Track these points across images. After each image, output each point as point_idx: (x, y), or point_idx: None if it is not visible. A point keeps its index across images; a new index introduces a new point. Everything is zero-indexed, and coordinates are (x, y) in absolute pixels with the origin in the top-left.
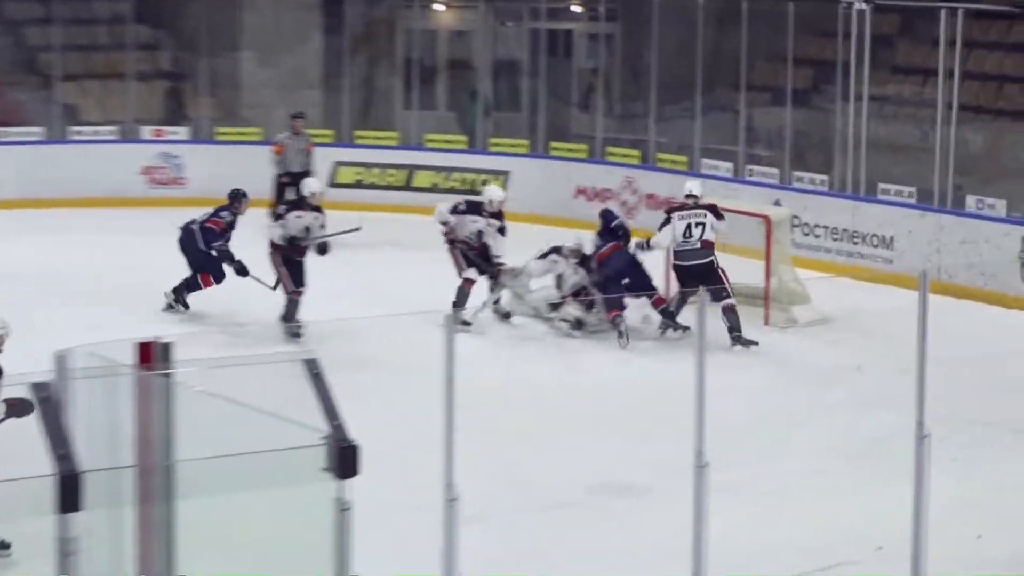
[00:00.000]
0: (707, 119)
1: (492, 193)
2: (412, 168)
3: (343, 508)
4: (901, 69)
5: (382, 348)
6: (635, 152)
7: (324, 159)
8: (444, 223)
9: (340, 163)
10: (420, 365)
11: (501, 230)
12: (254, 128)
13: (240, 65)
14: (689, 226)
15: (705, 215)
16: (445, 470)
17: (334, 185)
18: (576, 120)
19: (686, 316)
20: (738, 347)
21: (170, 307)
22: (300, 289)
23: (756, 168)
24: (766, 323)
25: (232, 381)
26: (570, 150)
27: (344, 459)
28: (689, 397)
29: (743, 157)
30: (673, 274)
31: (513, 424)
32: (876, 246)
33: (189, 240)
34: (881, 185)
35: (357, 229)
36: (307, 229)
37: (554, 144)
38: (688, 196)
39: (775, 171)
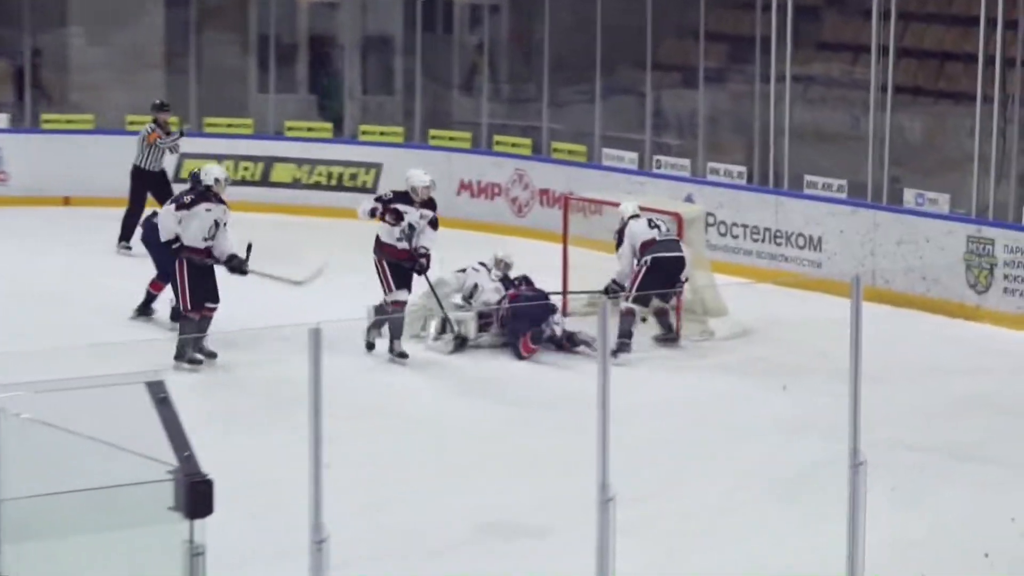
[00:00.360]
0: (608, 103)
1: (415, 178)
2: (269, 160)
3: (195, 552)
4: (828, 45)
5: (245, 367)
6: (526, 141)
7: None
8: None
9: (185, 155)
10: (291, 387)
11: (433, 223)
12: (85, 115)
13: (68, 43)
14: (651, 220)
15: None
16: (312, 510)
17: (177, 180)
18: (458, 105)
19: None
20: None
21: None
22: (211, 305)
23: (665, 159)
24: (677, 336)
25: (65, 407)
26: (451, 139)
27: (195, 496)
28: (591, 422)
29: (650, 146)
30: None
31: (392, 458)
32: (802, 247)
33: (151, 234)
34: (807, 177)
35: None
36: (216, 225)
37: (433, 132)
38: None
39: (686, 162)
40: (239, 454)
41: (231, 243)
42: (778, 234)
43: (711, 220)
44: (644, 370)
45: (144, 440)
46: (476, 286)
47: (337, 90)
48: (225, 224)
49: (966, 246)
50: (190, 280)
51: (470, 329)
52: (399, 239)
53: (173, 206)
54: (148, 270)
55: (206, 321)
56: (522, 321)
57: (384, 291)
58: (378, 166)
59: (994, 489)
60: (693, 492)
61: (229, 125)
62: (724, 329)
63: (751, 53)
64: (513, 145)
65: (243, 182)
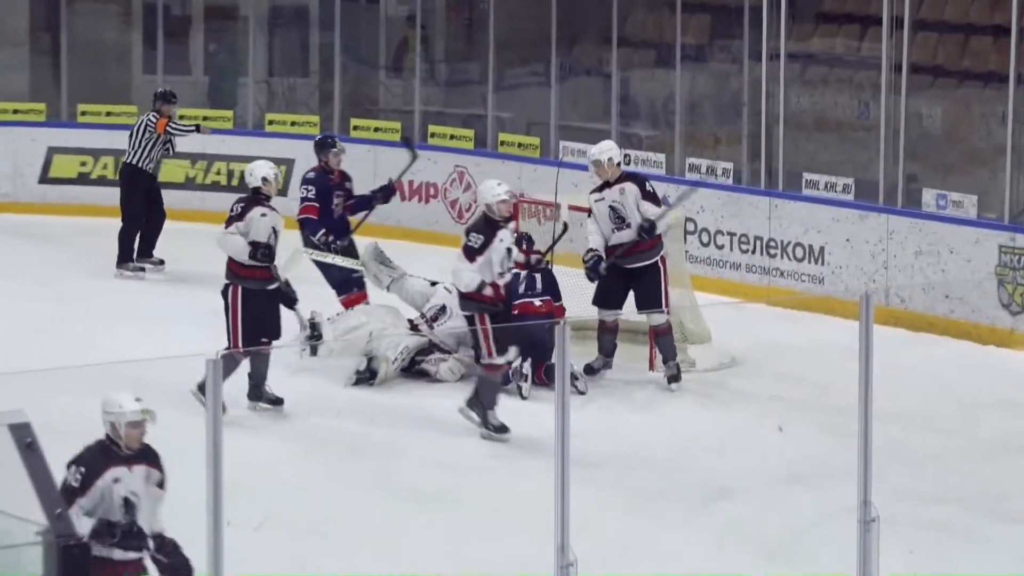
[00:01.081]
0: (567, 87)
1: (259, 169)
2: None
3: None
4: (831, 17)
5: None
6: (467, 132)
7: (35, 144)
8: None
9: (55, 149)
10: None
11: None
12: None
13: None
14: (613, 208)
15: (624, 191)
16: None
17: (47, 180)
18: (386, 89)
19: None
20: (674, 385)
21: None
22: (265, 343)
23: (635, 153)
24: (651, 367)
25: None
26: (377, 130)
27: (68, 562)
28: (547, 471)
29: (617, 138)
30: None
31: (308, 511)
32: (801, 259)
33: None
34: (806, 175)
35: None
36: (274, 233)
37: (356, 122)
38: (596, 165)
39: (661, 157)
40: None
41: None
42: (772, 244)
43: (691, 227)
44: (609, 409)
45: (7, 494)
46: (444, 309)
47: (233, 71)
48: (279, 235)
49: (998, 258)
50: (246, 308)
51: (385, 362)
52: (501, 273)
53: (225, 225)
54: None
55: (264, 360)
56: (536, 346)
57: (485, 354)
58: (289, 163)
59: None
60: (668, 555)
61: (108, 113)
62: (706, 359)
63: (738, 26)
64: (452, 137)
65: None
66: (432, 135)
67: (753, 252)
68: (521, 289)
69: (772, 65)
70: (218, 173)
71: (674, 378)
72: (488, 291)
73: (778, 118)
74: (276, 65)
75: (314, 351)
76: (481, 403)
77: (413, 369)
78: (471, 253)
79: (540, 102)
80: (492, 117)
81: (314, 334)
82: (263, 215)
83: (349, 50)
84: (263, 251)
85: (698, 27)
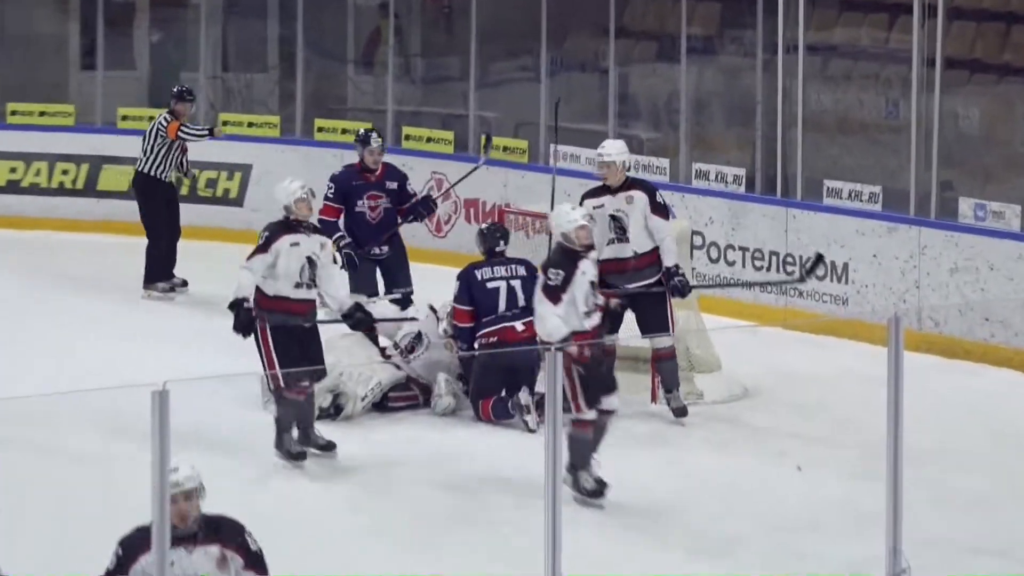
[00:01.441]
0: (558, 82)
1: (282, 190)
2: (97, 161)
3: None
4: (855, 5)
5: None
6: (446, 134)
7: None
8: None
9: None
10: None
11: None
12: None
13: None
14: (615, 218)
15: (632, 200)
16: None
17: None
18: (355, 86)
19: None
20: (680, 419)
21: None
22: (305, 385)
23: (635, 158)
24: (653, 399)
25: None
26: (345, 132)
27: None
28: (536, 518)
29: None
30: None
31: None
32: (822, 277)
33: None
34: (828, 183)
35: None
36: (311, 264)
37: (321, 123)
38: (608, 167)
39: (664, 163)
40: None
41: (343, 287)
42: (789, 260)
43: (698, 241)
44: (604, 446)
45: None
46: (420, 337)
47: (179, 65)
48: (322, 260)
49: None
50: (278, 345)
51: (353, 400)
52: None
53: (248, 257)
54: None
55: (310, 402)
56: (521, 373)
57: (573, 409)
58: (245, 168)
59: None
60: None
61: (42, 113)
62: (715, 389)
63: (751, 15)
64: (429, 140)
65: (62, 190)
66: (407, 137)
67: (768, 269)
68: (502, 306)
69: (789, 59)
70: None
71: (680, 411)
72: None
73: (796, 118)
74: (231, 59)
75: (339, 410)
76: (573, 465)
77: (385, 407)
78: (554, 293)
79: (528, 101)
80: (474, 117)
81: (335, 409)
82: (293, 244)
83: (313, 42)
84: (360, 316)
85: (706, 16)
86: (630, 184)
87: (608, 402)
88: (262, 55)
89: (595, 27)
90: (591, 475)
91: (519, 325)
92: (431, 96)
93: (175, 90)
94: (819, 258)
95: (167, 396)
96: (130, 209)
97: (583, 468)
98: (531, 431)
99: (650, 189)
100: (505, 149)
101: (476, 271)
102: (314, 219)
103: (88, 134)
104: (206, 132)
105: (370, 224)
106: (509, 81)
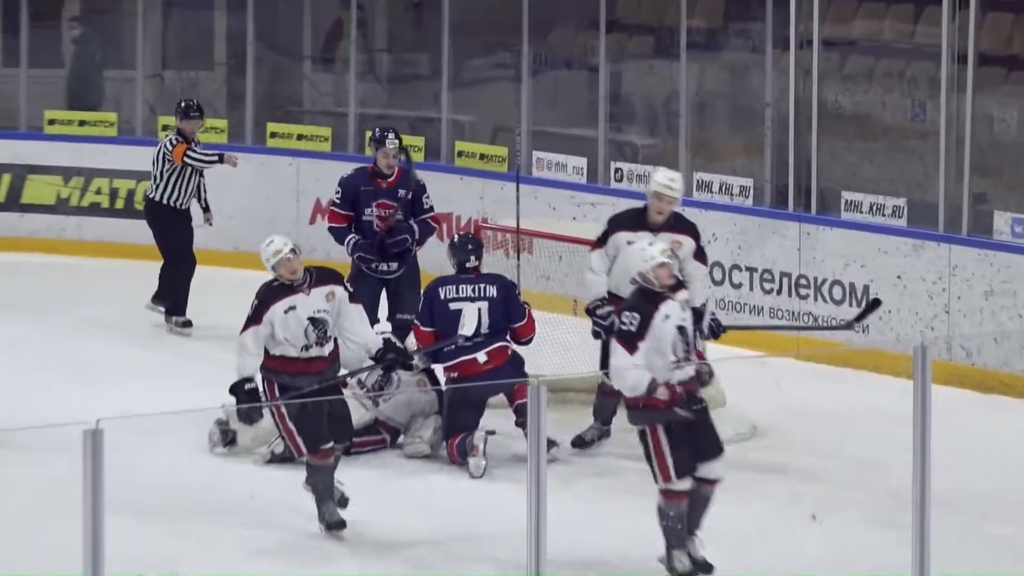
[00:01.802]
0: (541, 82)
1: (267, 249)
2: (21, 171)
3: None
4: None
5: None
6: (416, 140)
7: None
8: None
9: None
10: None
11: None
12: None
13: None
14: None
15: (681, 246)
16: None
17: None
18: (312, 85)
19: None
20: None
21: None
22: (327, 448)
23: (629, 167)
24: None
25: None
26: (301, 137)
27: None
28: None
29: (605, 148)
30: None
31: None
32: (839, 301)
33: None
34: (846, 195)
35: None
36: (314, 324)
37: (274, 127)
38: (666, 200)
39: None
40: None
41: (368, 329)
42: (802, 281)
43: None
44: (599, 492)
45: None
46: (389, 375)
47: (100, 62)
48: (331, 313)
49: None
50: (291, 409)
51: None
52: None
53: (241, 329)
54: None
55: (329, 469)
56: (461, 412)
57: (661, 479)
58: None
59: None
60: None
61: None
62: (721, 429)
63: (760, 6)
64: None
65: None
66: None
67: (779, 292)
68: (465, 330)
69: (802, 55)
70: (98, 192)
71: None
72: (662, 392)
73: (810, 122)
74: (171, 56)
75: (232, 440)
76: (667, 543)
77: (348, 451)
78: (629, 341)
79: (507, 102)
80: (447, 121)
81: (225, 438)
82: (289, 309)
83: (265, 36)
84: (393, 357)
85: (709, 7)
86: (675, 224)
87: (708, 469)
88: (207, 50)
89: (583, 19)
90: (688, 555)
91: (481, 356)
92: (398, 97)
93: (179, 105)
94: (875, 303)
95: (101, 435)
96: (57, 224)
97: (677, 547)
98: (473, 477)
99: (696, 233)
100: (481, 156)
101: (440, 288)
102: (323, 226)
103: (10, 140)
104: (215, 158)
105: (377, 234)
106: (486, 80)
